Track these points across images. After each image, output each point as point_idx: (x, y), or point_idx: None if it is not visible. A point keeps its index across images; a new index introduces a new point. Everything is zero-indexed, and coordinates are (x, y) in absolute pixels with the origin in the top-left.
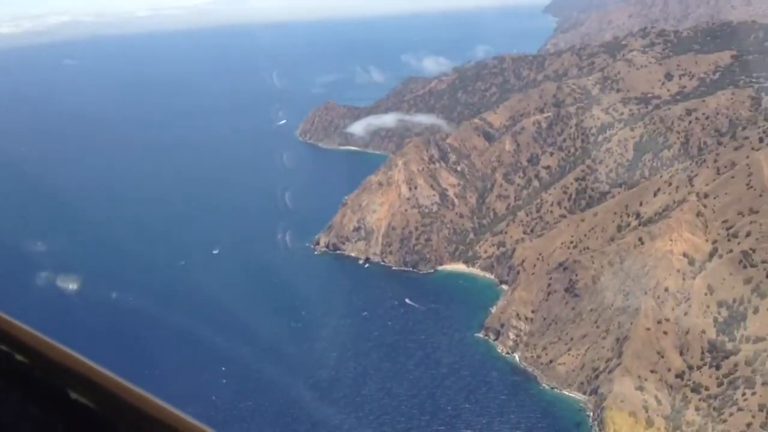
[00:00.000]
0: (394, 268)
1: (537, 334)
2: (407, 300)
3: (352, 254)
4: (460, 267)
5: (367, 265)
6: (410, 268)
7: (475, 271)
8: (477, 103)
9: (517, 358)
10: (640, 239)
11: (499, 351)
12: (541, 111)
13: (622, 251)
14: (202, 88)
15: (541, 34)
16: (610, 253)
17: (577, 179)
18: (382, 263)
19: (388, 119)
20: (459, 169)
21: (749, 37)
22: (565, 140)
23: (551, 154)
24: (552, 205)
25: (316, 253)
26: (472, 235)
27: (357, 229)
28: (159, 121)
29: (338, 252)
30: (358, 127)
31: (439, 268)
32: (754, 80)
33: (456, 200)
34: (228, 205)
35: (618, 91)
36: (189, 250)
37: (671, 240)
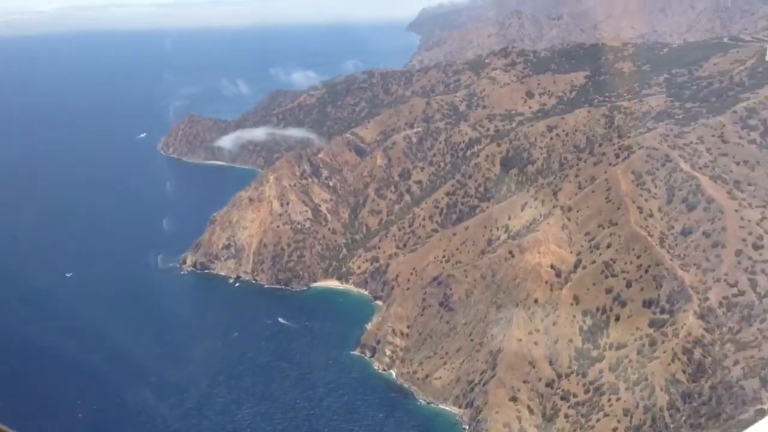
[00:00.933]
0: (266, 286)
1: (413, 349)
2: (281, 319)
3: (222, 273)
4: (333, 283)
5: (237, 284)
6: (283, 286)
7: (349, 287)
8: (347, 118)
9: (393, 375)
10: (510, 252)
11: (376, 368)
12: (412, 126)
13: (494, 264)
14: (53, 96)
15: (406, 50)
16: (483, 267)
17: (447, 194)
18: (254, 281)
19: (258, 133)
20: (331, 184)
21: (600, 59)
22: (435, 155)
23: (422, 168)
24: (424, 219)
25: (182, 273)
26: (345, 251)
27: (227, 247)
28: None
29: (207, 271)
30: (226, 141)
31: (313, 285)
32: (606, 99)
33: (329, 216)
34: (85, 223)
35: (484, 107)
36: (38, 274)
37: (539, 253)
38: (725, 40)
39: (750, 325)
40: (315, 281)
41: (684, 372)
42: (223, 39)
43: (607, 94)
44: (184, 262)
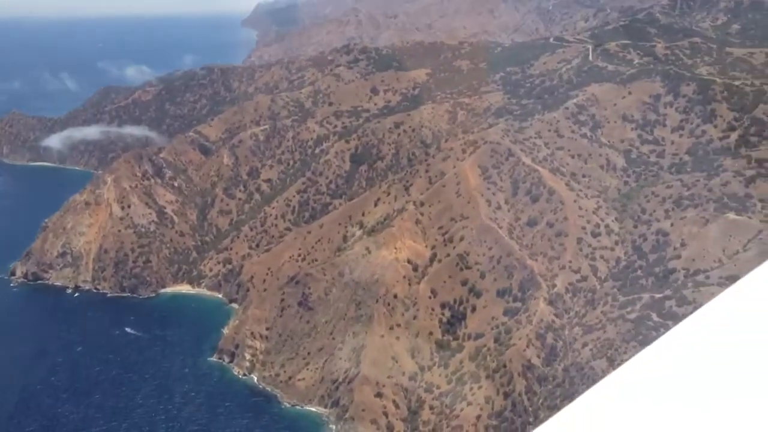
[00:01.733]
0: (109, 294)
1: (273, 351)
2: (128, 329)
3: (58, 283)
4: (185, 288)
5: (77, 294)
6: (129, 294)
7: (202, 291)
8: (187, 115)
9: (255, 379)
10: (367, 248)
11: (236, 373)
12: (257, 124)
13: (351, 261)
14: None
15: (244, 45)
16: (340, 264)
17: (299, 191)
18: (95, 291)
19: (90, 132)
20: (176, 184)
21: (440, 57)
22: (283, 153)
23: (271, 167)
24: (276, 218)
25: (12, 285)
26: (195, 254)
27: (62, 255)
28: None
29: (41, 282)
30: (53, 141)
31: (162, 291)
32: (449, 96)
33: (175, 218)
34: None
35: (330, 104)
36: None
37: (396, 248)
38: (551, 40)
39: (594, 309)
40: (164, 287)
41: (538, 357)
42: (36, 30)
43: (448, 91)
44: (14, 274)
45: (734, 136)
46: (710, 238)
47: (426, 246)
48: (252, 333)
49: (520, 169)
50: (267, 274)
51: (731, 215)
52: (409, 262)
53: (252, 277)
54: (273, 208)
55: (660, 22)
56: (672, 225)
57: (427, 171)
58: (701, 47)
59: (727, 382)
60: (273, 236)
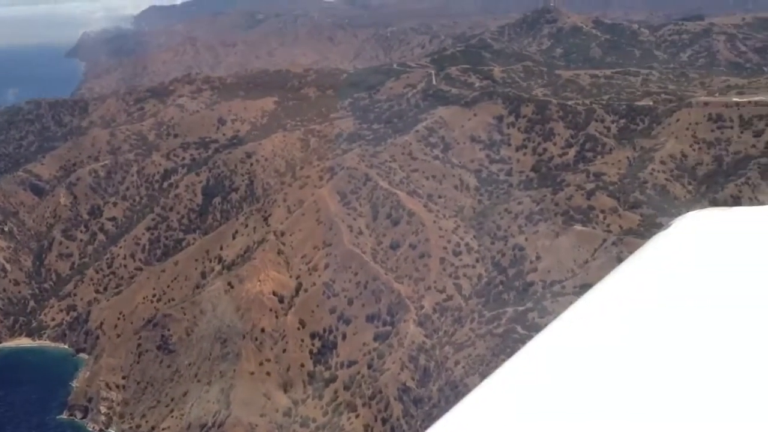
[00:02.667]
0: None
1: (132, 401)
2: None
3: None
4: (24, 342)
5: None
6: None
7: (44, 343)
8: (14, 154)
9: None
10: (229, 284)
11: (91, 429)
12: (96, 159)
13: (214, 298)
14: None
15: (70, 78)
16: (202, 302)
17: (148, 229)
18: None
19: None
20: (6, 229)
21: (286, 85)
22: (128, 189)
23: (115, 204)
24: (125, 258)
25: None
26: (33, 303)
27: None
28: None
29: None
30: None
31: None
32: (299, 123)
33: (7, 265)
34: None
35: (175, 136)
36: None
37: (260, 281)
38: (395, 66)
39: (462, 326)
40: (0, 342)
41: (413, 379)
42: None
43: (298, 119)
44: None
45: (572, 152)
46: (562, 250)
47: (291, 276)
48: (107, 384)
49: (378, 193)
50: (119, 318)
51: (578, 227)
52: (274, 294)
53: (102, 323)
54: (120, 247)
55: (493, 47)
56: (526, 239)
57: (285, 200)
58: (534, 70)
59: (584, 388)
60: (122, 278)
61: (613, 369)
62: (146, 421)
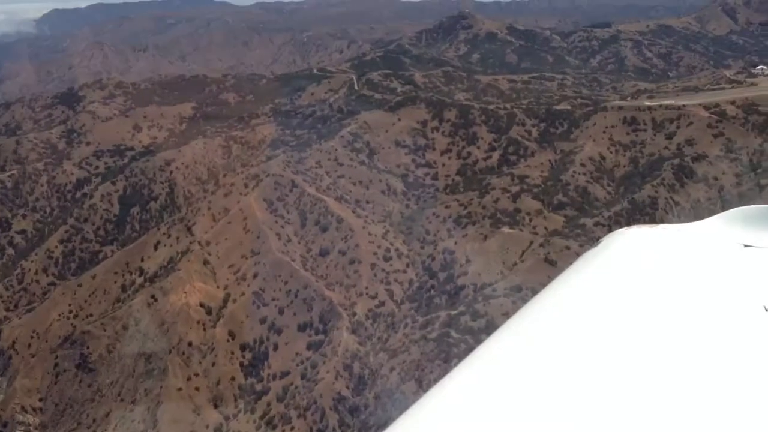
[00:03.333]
0: None
1: (51, 425)
2: None
3: None
4: None
5: None
6: None
7: None
8: None
9: None
10: (152, 297)
11: None
12: (2, 170)
13: (136, 312)
14: None
15: None
16: (123, 317)
17: (61, 241)
18: None
19: None
20: None
21: (204, 90)
22: (38, 200)
23: (24, 216)
24: (37, 273)
25: None
26: None
27: None
28: None
29: None
30: None
31: None
32: (219, 129)
33: None
34: None
35: (88, 144)
36: None
37: (185, 293)
38: (315, 71)
39: (396, 332)
40: None
41: (348, 388)
42: None
43: (218, 125)
44: None
45: (495, 155)
46: (491, 253)
47: (218, 287)
48: (22, 407)
49: (306, 200)
50: (32, 337)
51: (506, 229)
52: (201, 305)
53: (14, 342)
54: (32, 262)
55: (411, 52)
56: (456, 243)
57: (209, 208)
58: (453, 75)
59: (539, 389)
60: (35, 294)
61: (541, 384)
62: None
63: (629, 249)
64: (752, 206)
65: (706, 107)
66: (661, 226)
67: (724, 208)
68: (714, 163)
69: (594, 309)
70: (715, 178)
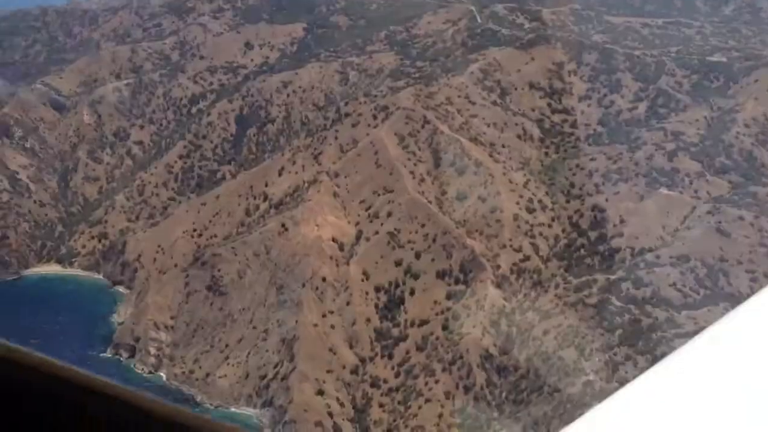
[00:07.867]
0: None
1: (183, 344)
2: None
3: None
4: (54, 269)
5: None
6: None
7: (76, 271)
8: (22, 63)
9: (164, 377)
10: (283, 225)
11: (140, 371)
12: (118, 77)
13: (267, 240)
14: None
15: None
16: (254, 243)
17: (180, 157)
18: None
19: None
20: (28, 146)
21: (313, 11)
22: (154, 112)
23: (141, 127)
24: (157, 186)
25: None
26: (61, 228)
27: None
28: None
29: None
30: None
31: (26, 272)
32: (333, 54)
33: (32, 185)
34: None
35: (201, 58)
36: None
37: (317, 225)
38: None
39: (546, 291)
40: (28, 267)
41: (495, 345)
42: None
43: (332, 49)
44: None
45: (642, 107)
46: (648, 215)
47: (349, 222)
48: (155, 323)
49: (439, 138)
50: (157, 252)
51: (664, 190)
52: (334, 240)
53: (140, 255)
54: (151, 174)
55: None
56: (607, 200)
57: (336, 138)
58: (582, 14)
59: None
60: (155, 207)
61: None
62: (199, 367)
63: None
64: None
65: None
66: None
67: None
68: None
69: None
70: None
